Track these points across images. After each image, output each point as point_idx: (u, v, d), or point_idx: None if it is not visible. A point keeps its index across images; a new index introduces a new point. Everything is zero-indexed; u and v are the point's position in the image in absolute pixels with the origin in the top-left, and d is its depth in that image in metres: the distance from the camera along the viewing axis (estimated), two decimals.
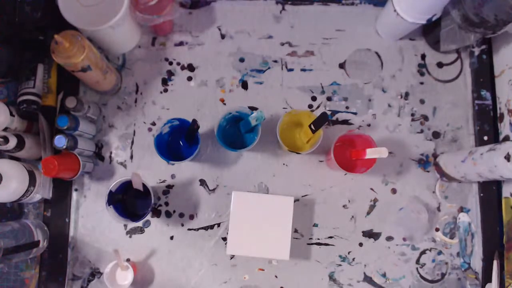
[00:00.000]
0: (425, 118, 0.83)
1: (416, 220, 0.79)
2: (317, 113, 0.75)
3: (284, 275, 0.79)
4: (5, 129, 0.72)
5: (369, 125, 0.83)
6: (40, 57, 0.79)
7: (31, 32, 0.77)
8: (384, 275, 0.80)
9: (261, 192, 0.81)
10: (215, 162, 0.82)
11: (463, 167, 0.73)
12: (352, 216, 0.81)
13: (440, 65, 0.85)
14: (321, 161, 0.82)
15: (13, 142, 0.71)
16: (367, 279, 0.80)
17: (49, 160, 0.69)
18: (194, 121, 0.69)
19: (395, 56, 0.85)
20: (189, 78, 0.84)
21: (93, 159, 0.82)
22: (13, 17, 0.74)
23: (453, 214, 0.81)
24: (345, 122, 0.83)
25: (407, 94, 0.84)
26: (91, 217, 0.81)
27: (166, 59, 0.85)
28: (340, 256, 0.80)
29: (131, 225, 0.80)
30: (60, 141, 0.71)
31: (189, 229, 0.80)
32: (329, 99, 0.84)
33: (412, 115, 0.83)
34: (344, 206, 0.81)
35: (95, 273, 0.80)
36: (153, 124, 0.83)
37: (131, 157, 0.82)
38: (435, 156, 0.82)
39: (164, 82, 0.84)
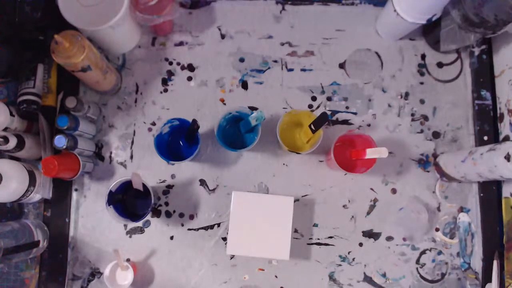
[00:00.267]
0: (425, 118, 0.83)
1: (416, 220, 0.79)
2: (317, 113, 0.75)
3: (284, 275, 0.79)
4: (5, 129, 0.72)
5: (369, 125, 0.83)
6: (40, 57, 0.79)
7: (31, 32, 0.77)
8: (384, 275, 0.80)
9: (261, 192, 0.81)
10: (215, 162, 0.82)
11: (463, 167, 0.73)
12: (352, 216, 0.81)
13: (440, 65, 0.85)
14: (321, 161, 0.82)
15: (13, 142, 0.71)
16: (367, 279, 0.80)
17: (49, 160, 0.69)
18: (194, 121, 0.69)
19: (395, 56, 0.85)
20: (189, 78, 0.84)
21: (93, 159, 0.82)
22: (13, 17, 0.74)
23: (453, 214, 0.81)
24: (345, 122, 0.83)
25: (407, 94, 0.84)
26: (91, 217, 0.81)
27: (166, 59, 0.85)
28: (340, 256, 0.80)
29: (131, 225, 0.80)
30: (60, 141, 0.71)
31: (189, 229, 0.80)
32: (329, 99, 0.84)
33: (412, 115, 0.83)
34: (344, 206, 0.81)
35: (95, 273, 0.80)
36: (153, 124, 0.83)
37: (131, 157, 0.82)
38: (435, 156, 0.82)
39: (164, 82, 0.84)
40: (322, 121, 0.68)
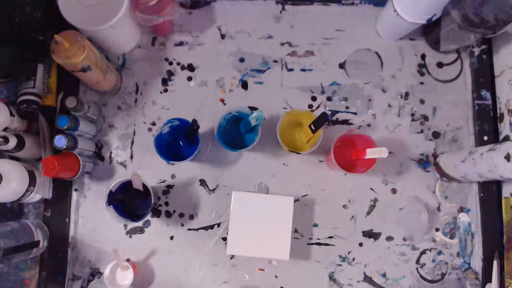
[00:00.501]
0: (425, 118, 0.83)
1: (416, 220, 0.79)
2: (317, 113, 0.75)
3: (284, 275, 0.79)
4: (5, 129, 0.72)
5: (369, 125, 0.83)
6: (40, 57, 0.79)
7: (31, 32, 0.77)
8: (384, 275, 0.80)
9: (261, 192, 0.81)
10: (215, 162, 0.82)
11: (463, 167, 0.73)
12: (352, 216, 0.81)
13: (440, 65, 0.85)
14: (321, 161, 0.82)
15: (13, 142, 0.71)
16: (367, 279, 0.80)
17: (49, 160, 0.69)
18: (194, 121, 0.69)
19: (395, 56, 0.85)
20: (189, 78, 0.84)
21: (93, 159, 0.82)
22: (13, 17, 0.74)
23: (453, 214, 0.81)
24: (345, 122, 0.83)
25: (407, 94, 0.84)
26: (91, 217, 0.81)
27: (166, 59, 0.85)
28: (340, 256, 0.80)
29: (131, 225, 0.80)
30: (60, 141, 0.71)
31: (189, 229, 0.80)
32: (329, 99, 0.84)
33: (412, 115, 0.83)
34: (344, 206, 0.81)
35: (95, 273, 0.80)
36: (153, 124, 0.83)
37: (131, 157, 0.82)
38: (435, 156, 0.82)
39: (164, 82, 0.84)
40: (322, 121, 0.68)
